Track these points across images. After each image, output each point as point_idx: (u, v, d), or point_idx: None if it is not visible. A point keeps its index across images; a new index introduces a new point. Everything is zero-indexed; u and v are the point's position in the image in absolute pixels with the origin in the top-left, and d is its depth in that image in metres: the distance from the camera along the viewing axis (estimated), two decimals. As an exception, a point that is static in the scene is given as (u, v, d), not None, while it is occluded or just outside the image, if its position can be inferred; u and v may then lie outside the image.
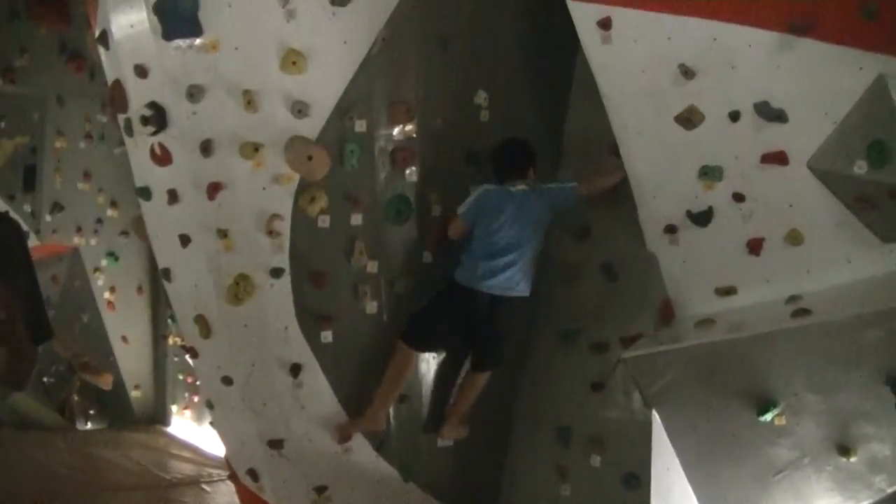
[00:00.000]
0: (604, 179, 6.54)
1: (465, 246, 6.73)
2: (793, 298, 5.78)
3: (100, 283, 11.45)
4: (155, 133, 6.13)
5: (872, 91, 5.30)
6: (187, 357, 7.61)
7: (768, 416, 5.77)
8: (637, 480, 6.46)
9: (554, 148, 7.17)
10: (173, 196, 6.26)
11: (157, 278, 10.43)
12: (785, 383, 5.72)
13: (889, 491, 5.77)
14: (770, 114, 5.57)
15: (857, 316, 5.44)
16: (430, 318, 6.78)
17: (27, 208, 11.06)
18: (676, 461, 6.28)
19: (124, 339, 11.48)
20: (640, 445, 6.35)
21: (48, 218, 10.98)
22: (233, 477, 7.41)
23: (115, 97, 6.46)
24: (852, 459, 5.73)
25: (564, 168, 7.17)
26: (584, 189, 6.57)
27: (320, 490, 6.76)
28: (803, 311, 5.60)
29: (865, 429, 5.65)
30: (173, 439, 10.63)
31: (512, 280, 6.59)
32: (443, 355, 7.05)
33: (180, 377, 11.21)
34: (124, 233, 11.11)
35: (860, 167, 5.37)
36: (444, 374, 7.03)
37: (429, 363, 6.98)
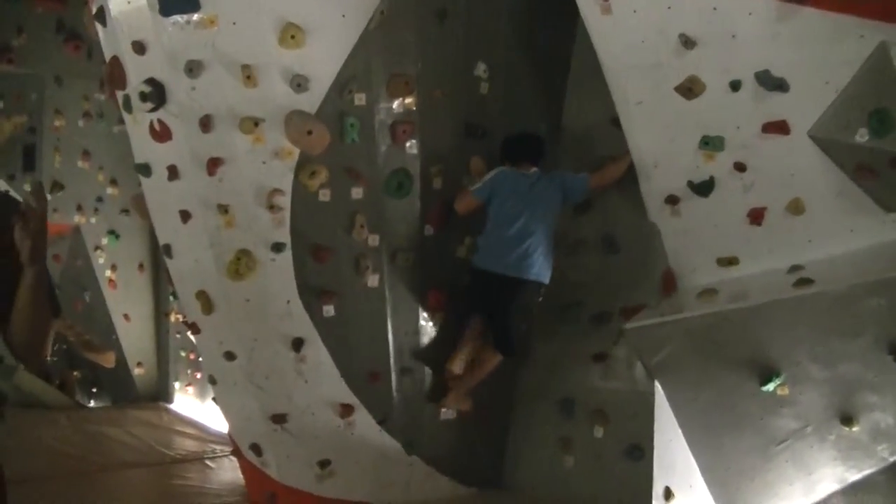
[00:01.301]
0: (614, 170, 6.55)
1: (482, 231, 6.79)
2: (795, 268, 5.78)
3: (101, 261, 11.46)
4: (154, 109, 6.11)
5: (874, 59, 5.28)
6: (189, 333, 7.62)
7: (771, 387, 5.78)
8: (640, 451, 6.47)
9: (554, 121, 7.16)
10: (173, 172, 6.25)
11: (158, 256, 10.44)
12: (787, 353, 5.73)
13: (892, 459, 5.80)
14: (771, 83, 5.55)
15: (859, 285, 5.45)
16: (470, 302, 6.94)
17: (27, 188, 11.03)
18: (679, 432, 6.30)
19: (126, 317, 11.50)
20: (643, 416, 6.38)
21: (48, 197, 10.93)
22: (236, 452, 7.43)
23: (114, 74, 6.43)
24: (855, 429, 5.75)
25: (564, 142, 7.16)
26: (595, 182, 6.62)
27: (324, 464, 6.78)
28: (805, 281, 5.61)
29: (868, 398, 5.67)
30: (176, 416, 10.63)
31: (527, 262, 6.61)
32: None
33: (182, 354, 11.23)
34: (125, 211, 11.13)
35: (862, 136, 5.35)
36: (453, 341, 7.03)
37: (431, 336, 6.99)
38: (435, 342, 7.03)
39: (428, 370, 7.02)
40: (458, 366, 6.91)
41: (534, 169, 6.73)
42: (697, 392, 6.12)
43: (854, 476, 5.99)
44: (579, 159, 6.99)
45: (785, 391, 5.82)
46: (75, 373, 11.19)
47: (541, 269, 6.66)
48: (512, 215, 6.61)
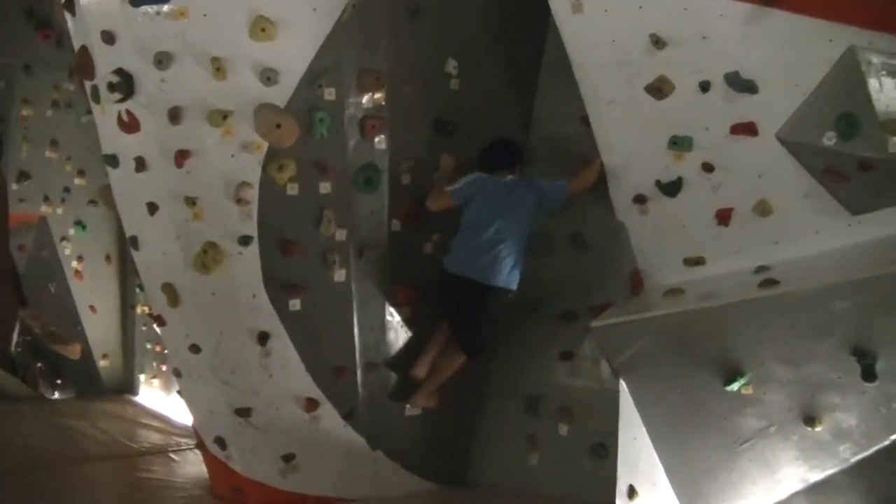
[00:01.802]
0: (589, 174, 6.48)
1: (454, 233, 6.78)
2: (761, 269, 5.81)
3: (67, 252, 11.35)
4: (122, 100, 6.08)
5: (842, 63, 5.31)
6: (155, 326, 7.58)
7: (735, 386, 5.81)
8: (605, 449, 6.50)
9: (524, 119, 7.16)
10: (141, 164, 6.22)
11: (125, 248, 10.34)
12: (752, 353, 5.76)
13: (853, 460, 5.83)
14: (740, 84, 5.57)
15: (824, 287, 5.48)
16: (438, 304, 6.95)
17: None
18: (644, 430, 6.32)
19: (92, 308, 11.40)
20: (608, 414, 6.38)
21: (15, 187, 10.83)
22: (201, 446, 7.41)
23: (82, 64, 6.39)
24: (818, 429, 5.78)
25: (534, 140, 7.16)
26: (574, 189, 6.56)
27: (288, 458, 6.77)
28: (771, 282, 5.63)
29: (831, 399, 5.70)
30: (141, 409, 10.57)
31: (495, 268, 6.59)
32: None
33: (148, 346, 11.15)
34: (92, 202, 11.03)
35: (829, 139, 5.39)
36: (418, 343, 7.03)
37: (397, 332, 6.98)
38: (401, 338, 7.02)
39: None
40: (422, 370, 6.93)
41: (510, 176, 6.71)
42: (662, 391, 6.14)
43: (816, 476, 6.02)
44: (548, 158, 6.99)
45: (749, 391, 5.84)
46: (39, 364, 11.11)
47: (509, 277, 6.65)
48: (485, 221, 6.60)
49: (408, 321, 7.03)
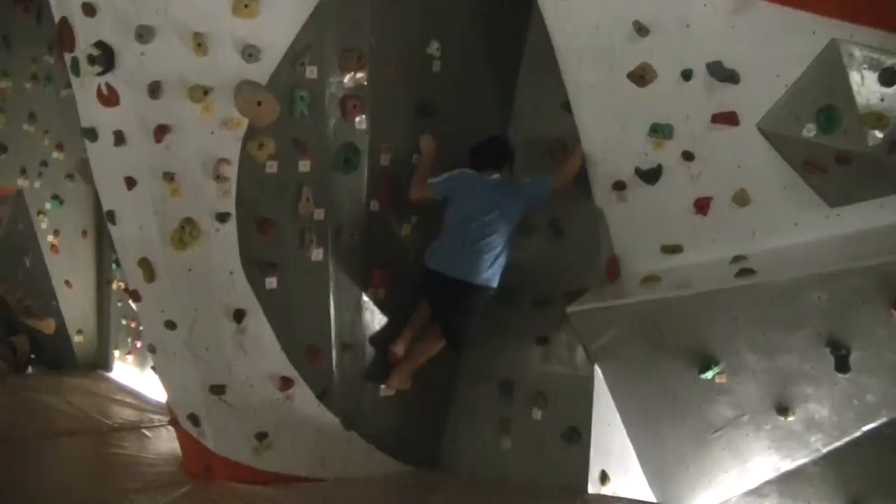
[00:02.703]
0: (572, 166, 6.48)
1: (439, 232, 6.77)
2: (738, 258, 5.84)
3: (44, 226, 11.30)
4: (102, 73, 6.03)
5: (824, 56, 5.33)
6: (130, 301, 7.55)
7: (709, 375, 5.84)
8: (578, 434, 6.51)
9: (506, 102, 7.15)
10: (119, 138, 6.18)
11: (102, 223, 10.29)
12: (727, 342, 5.79)
13: (825, 450, 5.88)
14: (722, 74, 5.59)
15: (800, 278, 5.51)
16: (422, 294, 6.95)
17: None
18: (617, 416, 6.36)
19: (68, 283, 11.35)
20: (582, 400, 6.42)
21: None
22: (174, 422, 7.39)
23: (62, 36, 6.33)
24: (790, 419, 5.82)
25: (514, 124, 7.15)
26: (559, 185, 6.52)
27: (261, 436, 6.75)
28: (748, 272, 5.66)
29: (804, 389, 5.74)
30: (115, 385, 10.54)
31: (477, 267, 6.56)
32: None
33: (123, 322, 11.12)
34: (69, 176, 10.96)
35: (809, 131, 5.42)
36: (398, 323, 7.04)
37: (373, 312, 6.98)
38: (376, 319, 7.02)
39: (369, 347, 7.01)
40: (400, 348, 6.91)
41: (496, 175, 6.69)
42: (637, 377, 6.17)
43: (788, 465, 6.06)
44: (529, 142, 6.97)
45: (723, 379, 5.88)
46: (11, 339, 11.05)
47: (491, 275, 6.61)
48: (467, 219, 6.57)
49: (386, 302, 7.02)
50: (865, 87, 5.26)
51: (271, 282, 6.51)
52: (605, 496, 6.53)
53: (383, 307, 7.03)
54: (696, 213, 5.98)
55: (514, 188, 6.64)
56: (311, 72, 6.33)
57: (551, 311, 6.75)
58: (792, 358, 5.70)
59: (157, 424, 8.93)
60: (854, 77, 5.25)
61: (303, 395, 6.79)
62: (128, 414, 9.39)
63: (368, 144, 6.69)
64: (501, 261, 6.63)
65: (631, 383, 6.20)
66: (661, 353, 6.00)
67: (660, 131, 5.91)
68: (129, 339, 10.98)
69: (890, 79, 5.18)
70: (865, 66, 5.24)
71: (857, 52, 5.24)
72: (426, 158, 6.84)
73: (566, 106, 6.35)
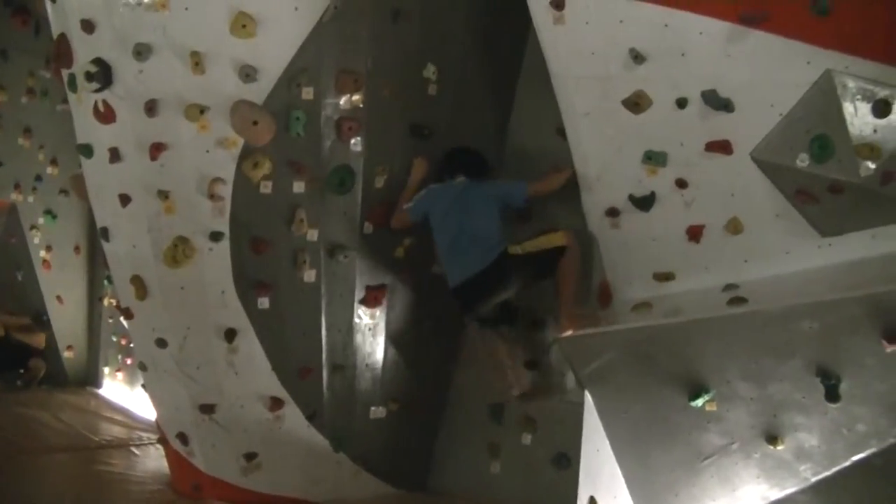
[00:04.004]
0: (553, 180, 6.49)
1: (437, 258, 6.83)
2: (729, 287, 5.83)
3: (36, 241, 11.30)
4: (99, 90, 6.06)
5: (819, 86, 5.33)
6: (122, 318, 7.55)
7: (699, 402, 5.82)
8: (567, 460, 6.52)
9: (500, 127, 7.18)
10: (115, 155, 6.20)
11: (94, 239, 10.29)
12: (718, 370, 5.77)
13: (814, 480, 5.84)
14: (717, 102, 5.59)
15: (792, 307, 5.49)
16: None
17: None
18: (607, 443, 6.33)
19: (59, 298, 11.35)
20: (572, 426, 6.41)
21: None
22: (162, 440, 7.38)
23: (60, 52, 6.36)
24: (779, 448, 5.79)
25: (508, 149, 7.18)
26: (533, 190, 6.54)
27: (250, 457, 6.75)
28: (739, 300, 5.65)
29: (794, 418, 5.72)
30: (104, 401, 10.54)
31: (485, 251, 6.45)
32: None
33: (114, 339, 11.11)
34: (63, 191, 10.98)
35: (802, 160, 5.41)
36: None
37: (364, 335, 6.97)
38: (368, 341, 7.03)
39: (360, 368, 7.00)
40: (519, 386, 6.84)
41: (461, 178, 6.72)
42: (627, 404, 6.15)
43: (776, 495, 6.04)
44: (522, 167, 6.99)
45: (713, 407, 5.85)
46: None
47: (499, 243, 6.46)
48: (450, 226, 6.58)
49: (374, 325, 7.02)
50: (859, 118, 5.26)
51: (263, 302, 6.52)
52: (593, 522, 6.53)
53: (375, 330, 7.03)
54: (688, 241, 5.97)
55: (484, 185, 6.68)
56: (308, 93, 6.34)
57: (542, 336, 6.76)
58: (782, 386, 5.69)
59: (145, 442, 8.92)
60: (848, 108, 5.25)
61: (293, 415, 6.79)
62: (116, 431, 9.39)
63: (363, 166, 6.69)
64: (502, 232, 6.54)
65: (621, 410, 6.18)
66: (651, 380, 5.99)
67: (654, 158, 5.91)
68: (120, 356, 10.97)
69: (883, 110, 5.19)
70: (859, 97, 5.24)
71: (852, 84, 5.25)
72: (410, 185, 6.87)
73: (561, 131, 6.35)
